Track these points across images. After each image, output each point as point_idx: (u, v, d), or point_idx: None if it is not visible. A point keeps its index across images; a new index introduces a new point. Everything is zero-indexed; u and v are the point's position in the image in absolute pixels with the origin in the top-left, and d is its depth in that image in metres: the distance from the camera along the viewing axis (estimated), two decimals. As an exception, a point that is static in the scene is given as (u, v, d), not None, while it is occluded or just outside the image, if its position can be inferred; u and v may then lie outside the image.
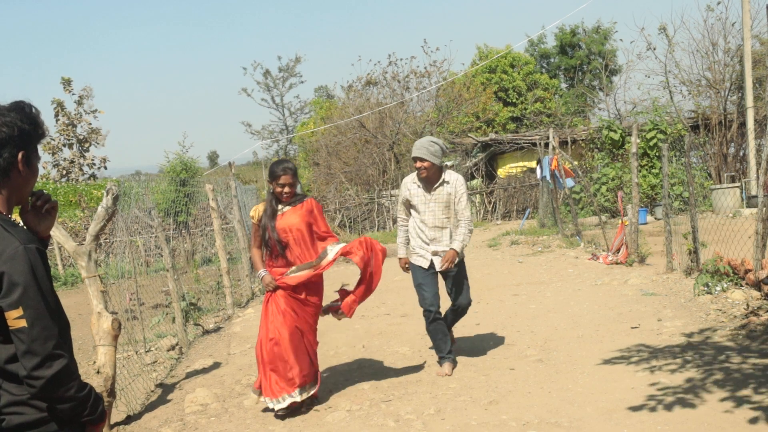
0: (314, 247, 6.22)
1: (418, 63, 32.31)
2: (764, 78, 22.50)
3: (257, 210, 6.24)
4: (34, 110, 2.60)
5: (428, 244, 6.77)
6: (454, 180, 6.78)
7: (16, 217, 2.68)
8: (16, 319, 2.35)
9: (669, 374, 6.10)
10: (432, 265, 6.76)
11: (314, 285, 6.17)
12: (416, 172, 6.73)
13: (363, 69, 68.10)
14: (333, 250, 6.17)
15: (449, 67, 32.48)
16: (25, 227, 2.62)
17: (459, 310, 7.06)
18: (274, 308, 6.07)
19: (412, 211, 6.89)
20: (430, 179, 6.75)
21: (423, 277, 6.76)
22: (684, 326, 7.65)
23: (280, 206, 6.17)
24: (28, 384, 2.38)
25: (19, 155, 2.51)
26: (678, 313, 8.33)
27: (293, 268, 6.08)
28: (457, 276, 6.86)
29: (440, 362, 6.97)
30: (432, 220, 6.71)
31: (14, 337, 2.37)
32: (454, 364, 7.01)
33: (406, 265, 6.91)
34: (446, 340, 6.90)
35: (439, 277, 6.89)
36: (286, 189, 6.09)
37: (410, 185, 6.89)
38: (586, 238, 15.75)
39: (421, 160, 6.66)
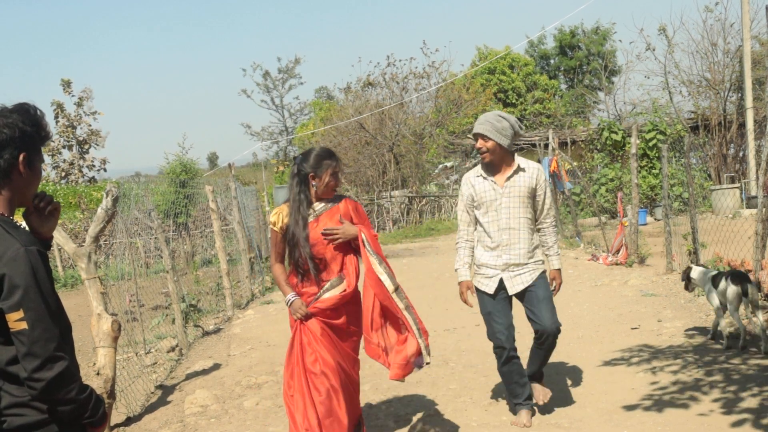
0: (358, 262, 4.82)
1: (417, 64, 32.32)
2: (764, 78, 22.49)
3: (280, 214, 4.76)
4: (38, 112, 2.60)
5: (494, 251, 5.23)
6: (533, 168, 5.28)
7: (19, 218, 2.69)
8: (16, 321, 2.35)
9: (669, 375, 6.10)
10: (502, 286, 5.24)
11: (353, 309, 4.79)
12: (479, 161, 5.29)
13: (363, 70, 68.18)
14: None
15: (449, 68, 32.43)
16: (27, 229, 2.62)
17: (546, 340, 5.33)
18: (310, 339, 4.66)
19: (477, 216, 5.31)
20: (497, 165, 5.24)
21: (492, 304, 5.24)
22: (684, 327, 7.65)
23: (311, 210, 4.70)
24: (28, 386, 2.38)
25: (21, 157, 2.51)
26: (678, 313, 8.33)
27: (326, 286, 4.69)
28: (539, 293, 5.24)
29: (515, 409, 5.48)
30: (506, 219, 5.16)
31: (15, 339, 2.36)
32: (533, 412, 5.49)
33: (469, 291, 5.34)
34: (524, 383, 5.40)
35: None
36: (335, 181, 4.72)
37: (473, 179, 5.32)
38: (586, 239, 15.75)
39: (484, 138, 5.16)
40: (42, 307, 2.38)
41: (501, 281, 5.23)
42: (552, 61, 40.62)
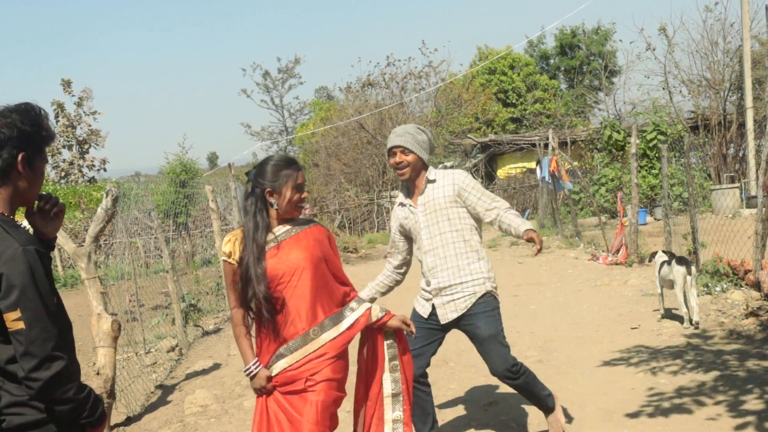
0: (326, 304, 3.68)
1: (416, 64, 32.32)
2: (763, 78, 22.49)
3: (235, 241, 3.65)
4: (41, 112, 2.60)
5: (426, 277, 4.72)
6: (446, 175, 4.67)
7: (21, 218, 2.69)
8: (14, 320, 2.35)
9: (669, 375, 6.10)
10: (433, 314, 4.67)
11: (335, 361, 3.62)
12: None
13: (363, 70, 68.20)
14: (356, 308, 3.78)
15: (448, 67, 32.49)
16: (28, 228, 2.62)
17: (508, 382, 4.72)
18: (274, 418, 3.59)
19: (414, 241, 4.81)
20: (414, 183, 4.66)
21: (417, 326, 4.29)
22: (684, 327, 7.65)
23: (270, 236, 3.64)
24: (26, 385, 2.38)
25: (19, 156, 2.51)
26: (678, 313, 8.33)
27: (282, 348, 3.56)
28: (479, 332, 4.55)
29: None
30: (427, 240, 4.60)
31: (13, 339, 2.36)
32: None
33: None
34: (427, 418, 4.80)
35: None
36: (299, 195, 3.70)
37: (398, 208, 4.81)
38: (586, 239, 15.75)
39: (404, 150, 4.55)
40: (39, 307, 2.38)
41: (433, 308, 4.67)
42: (552, 61, 40.62)
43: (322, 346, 3.56)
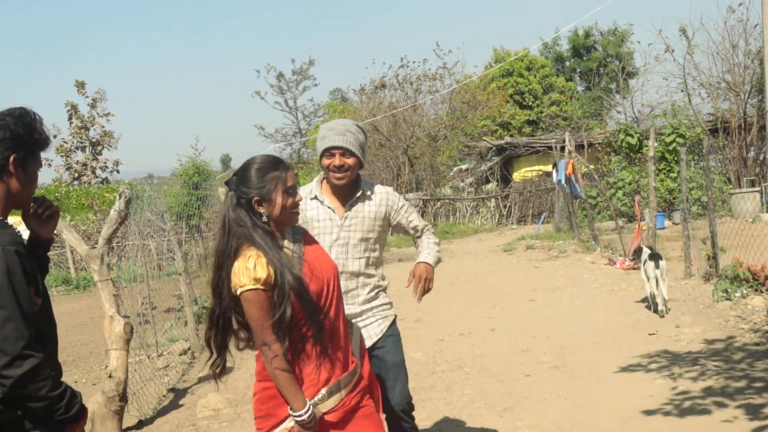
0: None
1: (431, 66, 32.31)
2: (785, 81, 22.33)
3: (262, 264, 2.95)
4: (35, 117, 2.65)
5: None
6: (382, 193, 4.08)
7: (16, 219, 2.73)
8: None
9: (688, 382, 6.06)
10: None
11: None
12: (321, 177, 4.07)
13: (377, 72, 68.31)
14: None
15: (463, 69, 32.35)
16: (18, 230, 2.65)
17: (396, 418, 4.11)
18: None
19: None
20: (349, 188, 4.00)
21: None
22: (703, 333, 7.60)
23: (289, 243, 3.13)
24: None
25: (11, 158, 2.56)
26: (697, 319, 8.27)
27: (341, 379, 3.13)
28: (387, 357, 4.02)
29: None
30: (343, 261, 3.91)
31: None
32: None
33: None
34: None
35: None
36: (295, 199, 3.15)
37: (308, 201, 4.01)
38: (603, 243, 15.68)
39: (345, 152, 3.88)
40: (14, 306, 2.42)
41: None
42: (567, 63, 40.49)
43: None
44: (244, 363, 8.39)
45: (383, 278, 4.11)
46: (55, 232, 2.94)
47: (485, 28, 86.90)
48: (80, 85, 35.68)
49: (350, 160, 3.86)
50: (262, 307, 2.95)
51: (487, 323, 9.18)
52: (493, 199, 26.96)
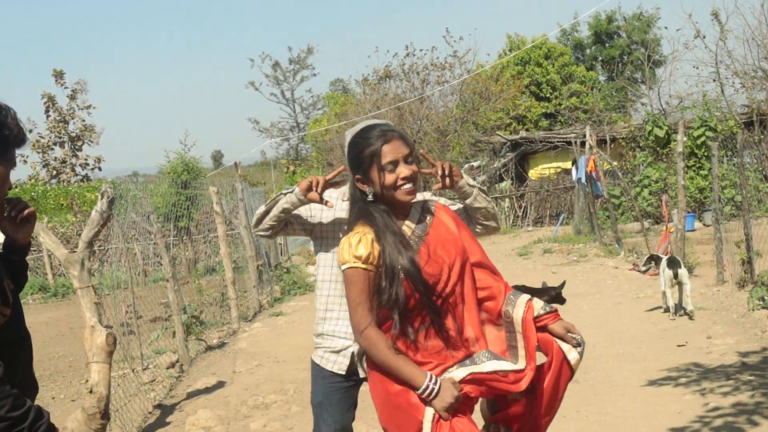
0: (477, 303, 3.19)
1: (439, 54, 32.31)
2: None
3: (367, 241, 3.00)
4: (7, 111, 2.60)
5: (330, 321, 3.88)
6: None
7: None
8: None
9: (720, 398, 6.04)
10: (353, 369, 3.81)
11: None
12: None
13: (381, 61, 68.07)
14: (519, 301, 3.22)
15: (474, 58, 32.30)
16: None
17: None
18: None
19: (320, 256, 3.95)
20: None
21: (329, 392, 3.86)
22: (737, 344, 7.58)
23: (410, 224, 3.13)
24: None
25: None
26: (730, 329, 8.26)
27: (481, 354, 3.09)
28: None
29: None
30: None
31: None
32: None
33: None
34: None
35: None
36: (409, 172, 3.05)
37: (339, 202, 3.90)
38: (627, 246, 15.66)
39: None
40: None
41: (353, 356, 3.76)
42: (588, 51, 40.47)
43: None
44: (237, 377, 8.40)
45: None
46: (31, 235, 2.93)
47: (499, 12, 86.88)
48: (58, 75, 35.68)
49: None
50: (358, 286, 2.97)
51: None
52: (507, 199, 26.93)
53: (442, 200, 3.45)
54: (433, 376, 2.93)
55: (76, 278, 6.41)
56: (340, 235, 3.46)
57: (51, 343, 12.02)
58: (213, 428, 6.60)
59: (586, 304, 10.67)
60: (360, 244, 2.98)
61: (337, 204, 3.87)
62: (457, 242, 3.11)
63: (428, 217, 3.16)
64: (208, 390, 7.95)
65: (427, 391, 2.91)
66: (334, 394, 3.84)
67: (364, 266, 2.96)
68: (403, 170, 3.01)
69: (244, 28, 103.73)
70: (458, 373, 2.99)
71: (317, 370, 3.89)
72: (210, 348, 10.20)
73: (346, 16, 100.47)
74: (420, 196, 3.23)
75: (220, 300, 13.25)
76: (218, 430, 6.57)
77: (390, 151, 3.00)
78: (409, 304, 2.96)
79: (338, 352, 3.81)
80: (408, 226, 3.09)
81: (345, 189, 3.87)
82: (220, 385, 8.10)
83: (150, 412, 7.44)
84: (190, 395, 7.87)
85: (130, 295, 10.68)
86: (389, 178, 3.00)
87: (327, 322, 3.86)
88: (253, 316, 12.53)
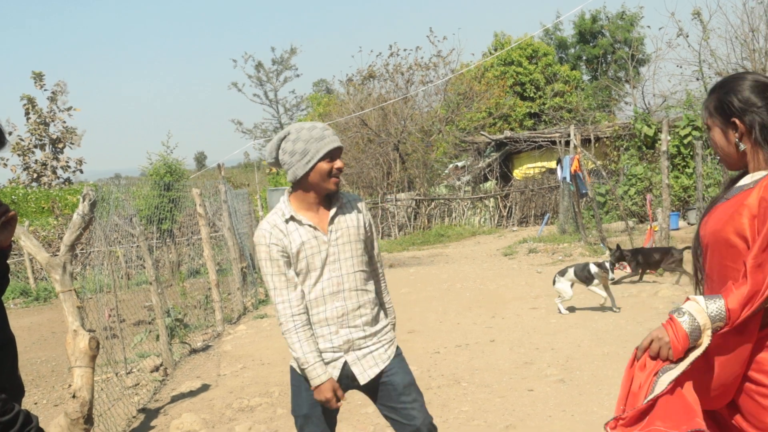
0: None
1: (423, 54, 32.35)
2: (808, 67, 22.48)
3: None
4: None
5: (329, 326, 3.87)
6: (352, 199, 4.06)
7: None
8: None
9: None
10: (347, 373, 3.89)
11: None
12: (288, 194, 3.96)
13: (364, 61, 68.16)
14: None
15: (458, 57, 32.49)
16: None
17: None
18: None
19: (298, 278, 3.87)
20: (324, 198, 3.96)
21: (315, 403, 3.85)
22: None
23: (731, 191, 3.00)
24: None
25: None
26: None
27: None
28: (396, 380, 3.95)
29: None
30: (337, 278, 3.86)
31: None
32: None
33: (336, 390, 3.76)
34: None
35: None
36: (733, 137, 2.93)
37: (281, 225, 3.86)
38: (612, 246, 15.74)
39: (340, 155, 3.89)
40: None
41: (345, 366, 3.86)
42: (572, 51, 40.65)
43: None
44: (221, 380, 8.39)
45: (376, 297, 4.04)
46: (12, 239, 2.94)
47: (483, 12, 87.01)
48: (38, 77, 35.52)
49: (340, 164, 3.86)
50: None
51: (487, 334, 9.20)
52: (492, 199, 27.00)
53: None
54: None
55: (58, 282, 6.39)
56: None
57: (33, 348, 11.97)
58: (198, 432, 6.59)
59: (571, 303, 10.72)
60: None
61: (289, 229, 3.88)
62: (724, 224, 2.91)
63: (740, 188, 2.97)
64: (192, 393, 7.94)
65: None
66: (319, 406, 3.82)
67: None
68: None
69: (227, 28, 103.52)
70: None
71: (300, 381, 3.87)
72: (194, 351, 10.18)
73: (331, 16, 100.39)
74: None
75: (204, 303, 13.23)
76: (203, 433, 6.56)
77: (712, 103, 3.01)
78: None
79: (331, 361, 3.82)
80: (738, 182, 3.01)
81: (281, 209, 3.91)
82: (205, 388, 8.09)
83: (134, 417, 7.42)
84: (175, 399, 7.85)
85: (113, 299, 10.64)
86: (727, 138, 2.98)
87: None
88: (238, 318, 12.51)
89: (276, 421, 6.69)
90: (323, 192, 3.84)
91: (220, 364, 9.22)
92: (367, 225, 3.99)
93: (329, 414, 3.89)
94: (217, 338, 10.97)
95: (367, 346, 3.88)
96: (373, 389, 3.90)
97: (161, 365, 9.25)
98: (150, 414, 7.45)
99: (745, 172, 2.94)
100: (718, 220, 2.89)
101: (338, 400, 3.74)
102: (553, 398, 6.55)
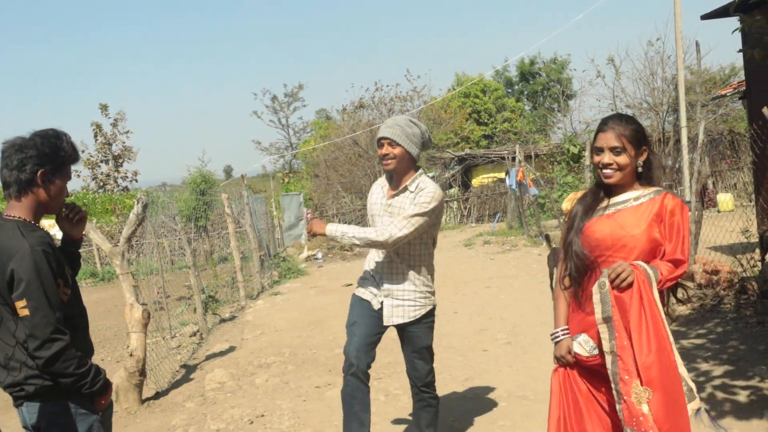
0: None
1: (402, 89, 32.38)
2: (695, 102, 22.64)
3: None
4: (63, 137, 2.66)
5: (376, 281, 3.96)
6: (419, 190, 3.85)
7: (51, 222, 2.75)
8: (21, 308, 2.45)
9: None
10: (381, 310, 3.94)
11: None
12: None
13: (356, 94, 68.05)
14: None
15: (429, 91, 32.44)
16: (49, 231, 2.69)
17: (421, 390, 4.10)
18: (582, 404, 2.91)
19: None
20: (398, 175, 3.89)
21: (360, 314, 3.95)
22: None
23: (608, 200, 2.83)
24: (33, 362, 2.50)
25: (39, 173, 2.58)
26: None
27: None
28: (423, 335, 4.00)
29: None
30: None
31: (21, 324, 2.47)
32: None
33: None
34: (363, 418, 3.87)
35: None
36: (603, 160, 2.78)
37: (374, 187, 4.08)
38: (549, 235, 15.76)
39: (392, 143, 3.81)
40: (42, 297, 2.45)
41: (383, 306, 3.92)
42: (516, 87, 40.77)
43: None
44: (244, 343, 8.35)
45: (424, 269, 3.95)
46: (83, 232, 2.96)
47: (448, 56, 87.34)
48: (104, 108, 35.26)
49: (395, 150, 3.81)
50: (561, 234, 3.12)
51: (451, 306, 9.20)
52: (455, 202, 27.00)
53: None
54: (565, 330, 2.96)
55: (118, 266, 6.35)
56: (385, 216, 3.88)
57: (100, 318, 11.88)
58: (226, 383, 6.57)
59: (517, 283, 10.74)
60: (567, 201, 3.06)
61: (374, 190, 4.07)
62: (645, 225, 2.79)
63: (643, 199, 2.83)
64: (222, 353, 7.90)
65: (552, 337, 3.00)
66: (371, 318, 3.93)
67: (565, 216, 3.07)
68: (607, 156, 2.80)
69: (250, 69, 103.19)
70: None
71: (355, 300, 4.03)
72: (223, 320, 10.13)
73: (330, 60, 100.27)
74: None
75: (230, 283, 13.16)
76: (230, 384, 6.54)
77: (603, 136, 2.81)
78: (570, 259, 3.03)
79: (376, 295, 3.95)
80: (620, 197, 2.87)
81: (382, 180, 4.07)
82: (232, 349, 8.06)
83: (177, 371, 7.39)
84: (208, 357, 7.82)
85: (161, 280, 10.58)
86: (596, 159, 2.84)
87: (369, 264, 4.05)
88: (257, 295, 12.46)
89: (287, 374, 6.67)
90: (385, 169, 3.89)
91: (243, 330, 9.19)
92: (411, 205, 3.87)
93: (373, 326, 3.96)
94: (241, 311, 10.93)
95: (401, 300, 3.93)
96: (399, 334, 4.08)
97: (198, 331, 9.20)
98: (189, 369, 7.42)
99: (622, 190, 2.81)
100: (622, 226, 2.76)
101: None
102: (502, 357, 6.56)
